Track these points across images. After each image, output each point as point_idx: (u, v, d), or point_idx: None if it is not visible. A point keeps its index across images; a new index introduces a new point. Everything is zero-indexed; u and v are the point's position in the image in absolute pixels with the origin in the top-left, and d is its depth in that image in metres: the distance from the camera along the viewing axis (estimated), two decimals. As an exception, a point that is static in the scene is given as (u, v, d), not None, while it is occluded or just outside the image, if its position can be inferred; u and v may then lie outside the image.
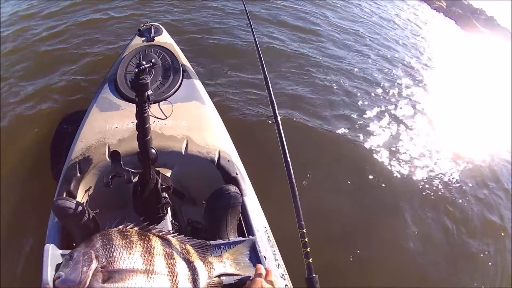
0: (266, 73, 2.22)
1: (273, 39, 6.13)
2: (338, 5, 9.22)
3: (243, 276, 1.34)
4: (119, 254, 1.21)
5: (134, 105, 2.40)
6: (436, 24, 12.95)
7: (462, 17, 15.63)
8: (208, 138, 2.24)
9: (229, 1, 7.09)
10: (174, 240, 1.33)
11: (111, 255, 1.20)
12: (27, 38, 5.04)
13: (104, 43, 5.04)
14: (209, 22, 6.23)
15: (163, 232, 1.34)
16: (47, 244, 1.32)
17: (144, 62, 1.28)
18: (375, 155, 4.22)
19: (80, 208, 1.58)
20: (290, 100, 4.63)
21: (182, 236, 1.36)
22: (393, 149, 4.43)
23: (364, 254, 3.02)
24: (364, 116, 4.90)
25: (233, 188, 1.78)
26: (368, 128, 4.65)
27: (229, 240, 1.50)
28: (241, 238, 1.52)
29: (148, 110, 1.39)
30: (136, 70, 1.27)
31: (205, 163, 2.11)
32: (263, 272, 1.21)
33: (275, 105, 2.04)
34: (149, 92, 1.33)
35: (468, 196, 4.19)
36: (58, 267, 1.21)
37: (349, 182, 3.71)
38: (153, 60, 1.32)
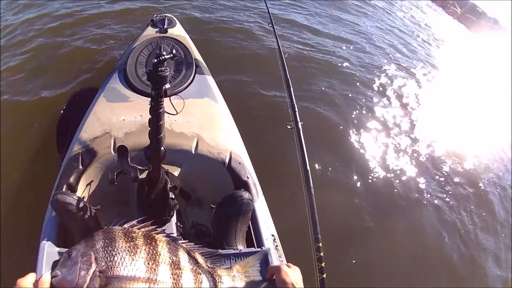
0: (288, 75, 2.10)
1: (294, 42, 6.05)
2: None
3: None
4: (120, 259, 1.10)
5: (143, 97, 2.36)
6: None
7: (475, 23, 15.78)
8: (219, 138, 2.14)
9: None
10: (182, 247, 1.22)
11: (111, 259, 1.10)
12: (34, 23, 4.89)
13: (114, 31, 4.92)
14: (226, 19, 6.11)
15: (172, 237, 1.23)
16: (43, 242, 1.22)
17: (164, 53, 1.17)
18: (379, 159, 4.21)
19: (81, 204, 1.49)
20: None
21: (192, 243, 1.25)
22: (398, 152, 4.47)
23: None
24: (373, 116, 4.89)
25: (246, 195, 1.68)
26: (378, 132, 4.65)
27: (240, 250, 1.39)
28: (253, 249, 1.41)
29: (163, 105, 1.27)
30: (155, 60, 1.16)
31: (215, 164, 2.01)
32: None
33: (296, 109, 1.92)
34: (167, 85, 1.22)
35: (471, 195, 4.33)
36: (55, 263, 1.12)
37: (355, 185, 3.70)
38: (174, 51, 1.22)
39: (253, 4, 6.87)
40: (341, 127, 4.39)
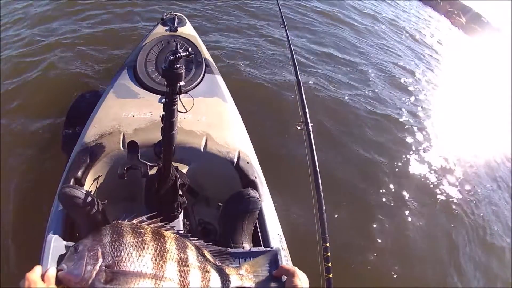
0: (299, 75, 2.08)
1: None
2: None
3: None
4: (127, 254, 1.09)
5: (153, 94, 2.37)
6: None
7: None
8: (228, 138, 2.14)
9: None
10: (191, 245, 1.21)
11: (118, 254, 1.08)
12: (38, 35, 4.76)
13: (125, 29, 4.94)
14: (237, 18, 6.15)
15: (181, 234, 1.22)
16: (50, 235, 1.21)
17: (181, 50, 1.18)
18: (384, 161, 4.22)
19: (89, 198, 1.48)
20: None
21: (202, 241, 1.24)
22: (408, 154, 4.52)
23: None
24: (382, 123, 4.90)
25: (253, 193, 1.67)
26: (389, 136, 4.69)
27: (249, 249, 1.37)
28: (263, 248, 1.39)
29: (177, 102, 1.28)
30: (172, 57, 1.16)
31: (223, 163, 2.01)
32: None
33: (307, 110, 1.91)
34: (182, 83, 1.23)
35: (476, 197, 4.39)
36: (61, 257, 1.11)
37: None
38: (189, 49, 1.22)
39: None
40: (347, 133, 4.40)
